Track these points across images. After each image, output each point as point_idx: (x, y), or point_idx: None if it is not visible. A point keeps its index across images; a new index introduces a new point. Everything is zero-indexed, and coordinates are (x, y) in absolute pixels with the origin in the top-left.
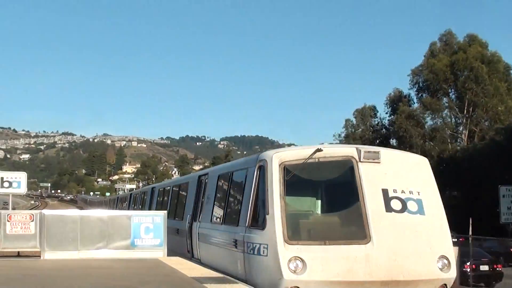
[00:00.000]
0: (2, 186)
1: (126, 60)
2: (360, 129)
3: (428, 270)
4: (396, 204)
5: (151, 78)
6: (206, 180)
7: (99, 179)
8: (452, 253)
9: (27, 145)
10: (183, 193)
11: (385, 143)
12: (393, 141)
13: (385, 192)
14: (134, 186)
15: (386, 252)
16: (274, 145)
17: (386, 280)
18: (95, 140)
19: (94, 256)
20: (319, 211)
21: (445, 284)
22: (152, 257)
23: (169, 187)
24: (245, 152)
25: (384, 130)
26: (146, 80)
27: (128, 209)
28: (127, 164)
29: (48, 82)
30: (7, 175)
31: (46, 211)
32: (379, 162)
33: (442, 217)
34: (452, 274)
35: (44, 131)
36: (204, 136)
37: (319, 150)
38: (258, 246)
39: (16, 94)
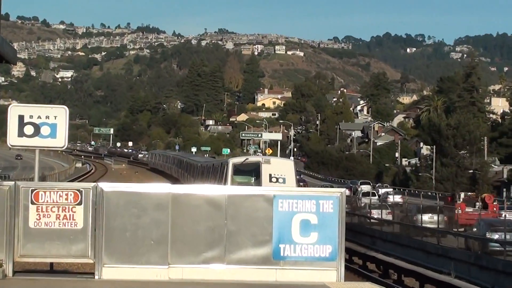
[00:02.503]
0: (22, 134)
1: None
2: None
3: None
4: (274, 179)
5: None
6: (220, 165)
7: (209, 121)
8: None
9: (69, 53)
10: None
11: None
12: None
13: (270, 175)
14: (279, 136)
15: None
16: None
17: None
18: (203, 43)
19: (198, 276)
20: (246, 181)
21: None
22: (315, 282)
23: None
24: (506, 70)
25: None
26: None
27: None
28: (265, 90)
29: None
30: (31, 111)
31: (105, 185)
32: (270, 163)
33: (293, 184)
34: None
35: (103, 25)
36: (422, 36)
37: (247, 159)
38: None
39: None
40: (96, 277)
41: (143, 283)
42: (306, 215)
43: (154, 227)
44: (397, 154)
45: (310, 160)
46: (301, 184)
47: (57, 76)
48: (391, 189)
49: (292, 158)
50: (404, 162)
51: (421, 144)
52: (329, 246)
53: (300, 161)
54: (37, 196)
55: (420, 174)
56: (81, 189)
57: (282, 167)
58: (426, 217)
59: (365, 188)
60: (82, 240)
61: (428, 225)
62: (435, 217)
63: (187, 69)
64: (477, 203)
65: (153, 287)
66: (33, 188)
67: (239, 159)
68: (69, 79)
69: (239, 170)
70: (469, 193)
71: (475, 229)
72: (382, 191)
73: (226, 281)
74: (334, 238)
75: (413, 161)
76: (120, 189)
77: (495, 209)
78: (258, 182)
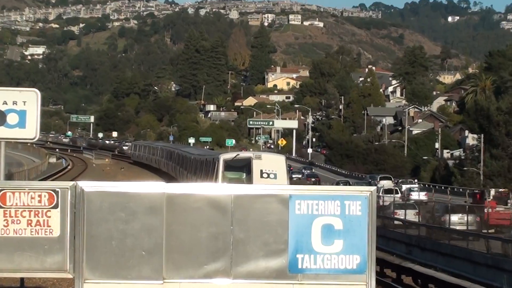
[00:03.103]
0: None
1: None
2: None
3: None
4: (265, 175)
5: None
6: (212, 160)
7: (210, 107)
8: None
9: (40, 25)
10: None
11: None
12: None
13: (261, 170)
14: (294, 124)
15: None
16: None
17: None
18: (201, 13)
19: None
20: (238, 177)
21: None
22: None
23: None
24: None
25: None
26: None
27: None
28: (277, 68)
29: None
30: None
31: (86, 184)
32: (261, 159)
33: (284, 180)
34: None
35: None
36: (466, 2)
37: (238, 155)
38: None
39: None
40: None
41: None
42: (329, 219)
43: (145, 235)
44: (437, 145)
45: (332, 152)
46: (313, 179)
47: (26, 53)
48: (416, 185)
49: (310, 150)
50: (446, 154)
51: (466, 132)
52: (357, 256)
53: (320, 153)
54: (4, 198)
55: (465, 168)
56: (57, 189)
57: (274, 163)
58: (455, 217)
59: (386, 184)
60: (59, 250)
61: (458, 227)
62: (466, 218)
63: (182, 44)
64: (509, 201)
65: None
66: None
67: (230, 155)
68: (41, 56)
69: (230, 166)
70: (501, 190)
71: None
72: (404, 187)
73: None
74: (362, 247)
75: (456, 153)
76: (104, 189)
77: None
78: (249, 178)
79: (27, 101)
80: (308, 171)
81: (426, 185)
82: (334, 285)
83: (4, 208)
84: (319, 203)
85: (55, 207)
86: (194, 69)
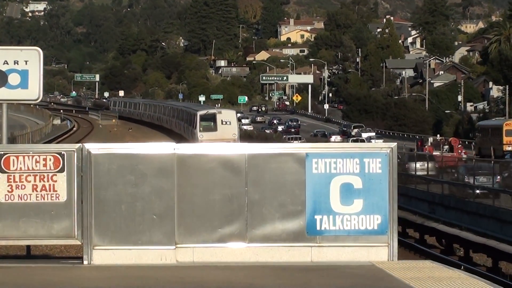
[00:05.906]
0: None
1: None
2: None
3: (230, 137)
4: (224, 123)
5: None
6: (193, 114)
7: (221, 62)
8: (237, 133)
9: None
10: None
11: None
12: None
13: (221, 120)
14: (309, 78)
15: (221, 134)
16: None
17: (219, 139)
18: None
19: (213, 258)
20: (208, 124)
21: (234, 140)
22: (361, 262)
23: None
24: None
25: None
26: None
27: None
28: (291, 20)
29: None
30: None
31: (93, 146)
32: (221, 113)
33: (235, 126)
34: (237, 138)
35: None
36: None
37: (208, 111)
38: (195, 131)
39: None
40: (85, 262)
41: (144, 268)
42: (348, 177)
43: (156, 198)
44: (460, 98)
45: (350, 107)
46: (293, 130)
47: (26, 9)
48: (373, 133)
49: (326, 105)
50: (469, 107)
51: (490, 84)
52: (378, 216)
53: (337, 109)
54: (8, 163)
55: None
56: (62, 152)
57: (229, 116)
58: (417, 164)
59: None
60: (66, 216)
61: (419, 173)
62: (426, 165)
63: None
64: (445, 146)
65: (157, 272)
66: (2, 152)
67: (203, 111)
68: (42, 13)
69: (203, 118)
70: (439, 137)
71: (456, 175)
72: (365, 135)
73: (249, 263)
74: (383, 206)
75: (480, 105)
76: (112, 151)
77: (459, 151)
78: (215, 126)
79: (29, 60)
80: (294, 123)
81: (381, 132)
82: (354, 246)
83: (8, 173)
84: (337, 161)
85: (61, 171)
86: (203, 23)
